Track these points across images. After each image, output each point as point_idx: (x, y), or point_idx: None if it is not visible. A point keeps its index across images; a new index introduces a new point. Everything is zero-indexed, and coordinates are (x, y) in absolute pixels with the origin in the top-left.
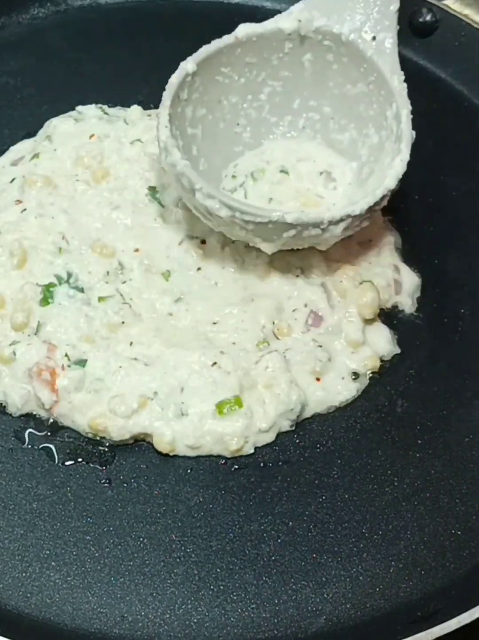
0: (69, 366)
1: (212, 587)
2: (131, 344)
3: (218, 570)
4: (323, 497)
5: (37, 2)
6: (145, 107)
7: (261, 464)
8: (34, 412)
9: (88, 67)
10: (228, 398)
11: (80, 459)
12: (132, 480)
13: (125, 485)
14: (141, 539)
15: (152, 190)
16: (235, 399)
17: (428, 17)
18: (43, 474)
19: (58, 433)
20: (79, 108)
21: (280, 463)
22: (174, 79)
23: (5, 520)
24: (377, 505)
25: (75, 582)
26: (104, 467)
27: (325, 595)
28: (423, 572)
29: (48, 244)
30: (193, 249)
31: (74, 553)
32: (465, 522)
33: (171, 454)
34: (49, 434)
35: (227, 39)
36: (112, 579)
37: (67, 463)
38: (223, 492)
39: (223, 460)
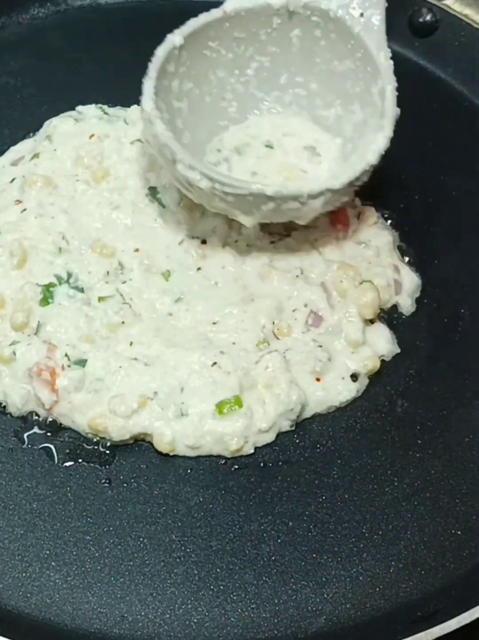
0: (69, 366)
1: (212, 587)
2: (131, 344)
3: (218, 570)
4: (323, 497)
5: (37, 2)
6: None
7: (261, 464)
8: (34, 412)
9: (88, 67)
10: (228, 398)
11: (80, 459)
12: (132, 480)
13: (125, 485)
14: (141, 539)
15: (153, 190)
16: (235, 399)
17: (428, 17)
18: (43, 474)
19: (58, 433)
20: (79, 108)
21: (280, 463)
22: (160, 52)
23: (5, 520)
24: (377, 505)
25: (75, 582)
26: (104, 467)
27: (325, 595)
28: (423, 572)
29: (48, 244)
30: (193, 249)
31: (74, 553)
32: (465, 522)
33: (171, 454)
34: (49, 434)
35: (215, 13)
36: (112, 579)
37: (67, 463)
38: (223, 492)
39: (223, 460)
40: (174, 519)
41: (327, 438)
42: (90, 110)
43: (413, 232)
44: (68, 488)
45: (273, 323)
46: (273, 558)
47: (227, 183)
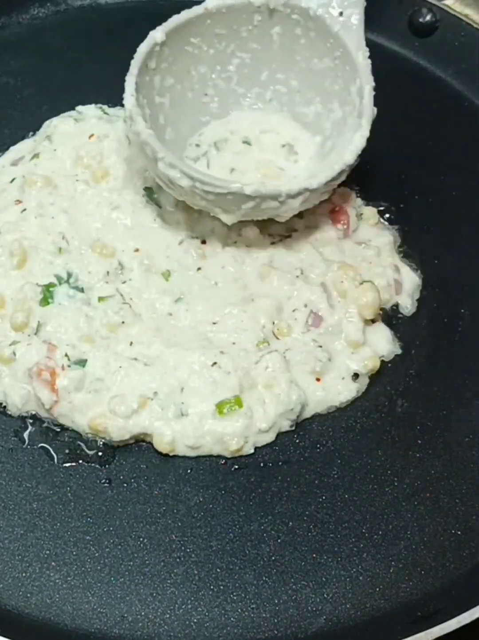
0: (69, 366)
1: (212, 587)
2: (131, 344)
3: (218, 570)
4: (323, 497)
5: (37, 2)
6: None
7: (261, 464)
8: (34, 412)
9: (88, 67)
10: (228, 398)
11: (80, 459)
12: (132, 480)
13: (125, 485)
14: (141, 539)
15: (148, 191)
16: (235, 399)
17: (428, 17)
18: (43, 474)
19: (58, 433)
20: (79, 108)
21: (280, 463)
22: (142, 48)
23: (5, 520)
24: (377, 505)
25: (75, 582)
26: (104, 467)
27: (325, 595)
28: (423, 572)
29: (48, 244)
30: (193, 249)
31: (74, 553)
32: (465, 522)
33: (171, 454)
34: (49, 434)
35: (196, 9)
36: (112, 579)
37: (67, 463)
38: (223, 492)
39: (223, 460)
40: (174, 519)
41: (327, 438)
42: (90, 110)
43: (413, 232)
44: (68, 488)
45: (273, 323)
46: (273, 558)
47: (207, 182)
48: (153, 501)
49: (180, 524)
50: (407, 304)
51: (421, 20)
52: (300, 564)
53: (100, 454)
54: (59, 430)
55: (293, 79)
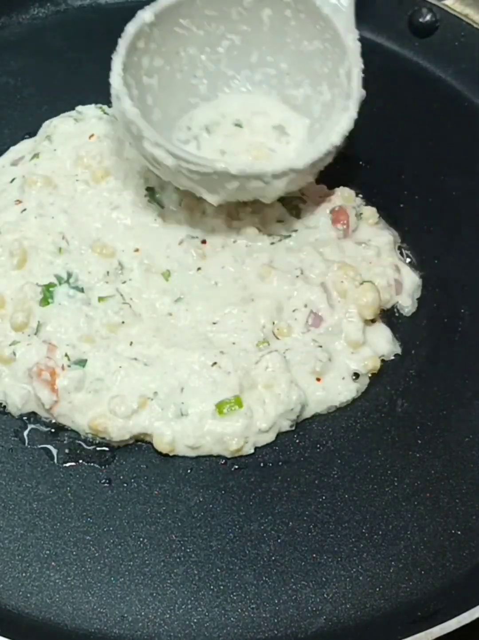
0: (69, 366)
1: (212, 587)
2: (131, 344)
3: (218, 570)
4: (323, 497)
5: (37, 2)
6: None
7: (261, 464)
8: (34, 412)
9: (88, 67)
10: (228, 398)
11: (80, 459)
12: (132, 480)
13: (125, 485)
14: (141, 539)
15: (150, 191)
16: (235, 399)
17: (428, 17)
18: (43, 474)
19: (58, 433)
20: (79, 108)
21: (280, 463)
22: (130, 28)
23: (5, 520)
24: (377, 505)
25: (75, 582)
26: (104, 467)
27: (325, 595)
28: (423, 572)
29: (48, 244)
30: (193, 249)
31: (74, 553)
32: (465, 522)
33: (171, 454)
34: (49, 434)
35: None
36: (112, 579)
37: (67, 463)
38: (223, 492)
39: (223, 460)
40: (174, 519)
41: (327, 438)
42: (90, 110)
43: (413, 232)
44: (68, 488)
45: (273, 323)
46: (273, 558)
47: (192, 161)
48: (153, 501)
49: (180, 524)
50: (407, 304)
51: (421, 20)
52: (300, 564)
53: (100, 454)
54: (58, 430)
55: (283, 61)
